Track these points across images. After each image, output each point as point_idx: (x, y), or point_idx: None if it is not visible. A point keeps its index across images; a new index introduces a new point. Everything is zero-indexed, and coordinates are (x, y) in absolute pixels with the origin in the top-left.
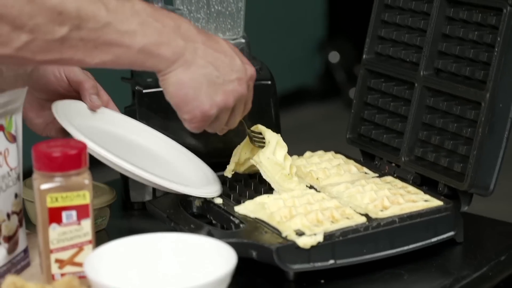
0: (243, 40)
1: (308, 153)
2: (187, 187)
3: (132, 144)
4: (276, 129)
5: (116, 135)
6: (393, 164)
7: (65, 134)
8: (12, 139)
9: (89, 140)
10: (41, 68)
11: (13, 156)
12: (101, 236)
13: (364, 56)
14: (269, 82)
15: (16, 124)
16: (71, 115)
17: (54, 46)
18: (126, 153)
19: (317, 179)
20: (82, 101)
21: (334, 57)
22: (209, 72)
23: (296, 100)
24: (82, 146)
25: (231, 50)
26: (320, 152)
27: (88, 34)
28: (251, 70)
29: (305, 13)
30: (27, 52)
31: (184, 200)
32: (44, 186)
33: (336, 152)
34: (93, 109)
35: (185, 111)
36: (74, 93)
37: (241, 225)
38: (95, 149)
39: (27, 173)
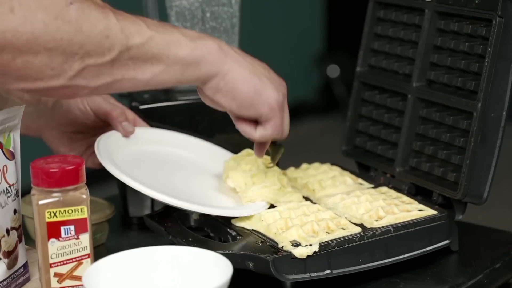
0: None
1: (304, 165)
2: (231, 209)
3: (173, 157)
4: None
5: (154, 152)
6: (388, 175)
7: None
8: (11, 156)
9: (131, 179)
10: (65, 103)
11: (12, 172)
12: (100, 251)
13: (358, 69)
14: None
15: (14, 141)
16: (111, 151)
17: (105, 70)
18: (170, 172)
19: (313, 190)
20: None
21: (333, 71)
22: (259, 67)
23: (295, 114)
24: (80, 162)
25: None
26: (316, 164)
27: (136, 51)
28: (283, 81)
29: (304, 27)
30: (80, 79)
31: (181, 214)
32: (43, 202)
33: (332, 164)
34: (127, 135)
35: (261, 104)
36: (102, 123)
37: (238, 237)
38: (137, 186)
39: (26, 190)
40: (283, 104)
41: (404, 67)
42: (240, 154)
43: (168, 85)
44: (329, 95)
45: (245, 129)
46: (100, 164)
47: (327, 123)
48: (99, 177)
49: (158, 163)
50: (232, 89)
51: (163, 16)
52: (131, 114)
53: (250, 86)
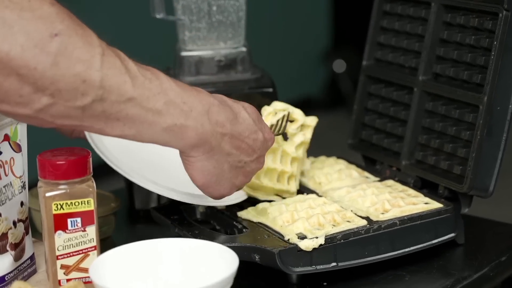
0: (244, 49)
1: (311, 159)
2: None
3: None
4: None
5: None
6: (394, 168)
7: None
8: (18, 148)
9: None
10: None
11: (19, 165)
12: (107, 244)
13: (364, 63)
14: (271, 90)
15: (21, 134)
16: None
17: (74, 113)
18: (159, 161)
19: (319, 183)
20: None
21: (339, 66)
22: (233, 158)
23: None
24: (86, 154)
25: (253, 124)
26: (323, 158)
27: (110, 106)
28: (270, 138)
29: (310, 22)
30: (46, 115)
31: (188, 207)
32: (49, 194)
33: (338, 157)
34: None
35: (206, 192)
36: None
37: (244, 230)
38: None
39: (33, 183)
40: (230, 194)
41: (410, 60)
42: None
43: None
44: (335, 91)
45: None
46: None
47: (333, 118)
48: (105, 171)
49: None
50: (188, 171)
51: (169, 10)
52: None
53: (203, 179)
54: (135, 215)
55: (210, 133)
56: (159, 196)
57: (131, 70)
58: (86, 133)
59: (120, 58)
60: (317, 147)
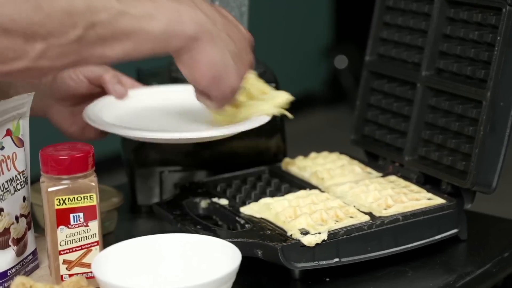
0: None
1: (313, 154)
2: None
3: (166, 110)
4: (281, 133)
5: (148, 108)
6: (397, 164)
7: (105, 133)
8: (20, 143)
9: (125, 129)
10: (58, 77)
11: (21, 160)
12: (109, 239)
13: (366, 58)
14: (274, 85)
15: (23, 129)
16: (103, 114)
17: (71, 49)
18: (158, 119)
19: (322, 179)
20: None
21: (341, 62)
22: (232, 45)
23: (303, 105)
24: (89, 149)
25: (232, 16)
26: (325, 153)
27: (103, 28)
28: (249, 34)
29: (312, 17)
30: (45, 60)
31: (190, 202)
32: (52, 189)
33: (341, 153)
34: (120, 98)
35: (216, 90)
36: (98, 89)
37: (246, 225)
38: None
39: (35, 179)
40: (238, 88)
41: (413, 56)
42: None
43: (138, 59)
44: (337, 86)
45: (202, 101)
46: (101, 134)
47: (335, 114)
48: (108, 166)
49: (149, 116)
50: (194, 68)
51: None
52: (128, 81)
53: (211, 71)
54: (137, 210)
55: (205, 20)
56: (161, 191)
57: None
58: (85, 115)
59: None
60: (319, 142)
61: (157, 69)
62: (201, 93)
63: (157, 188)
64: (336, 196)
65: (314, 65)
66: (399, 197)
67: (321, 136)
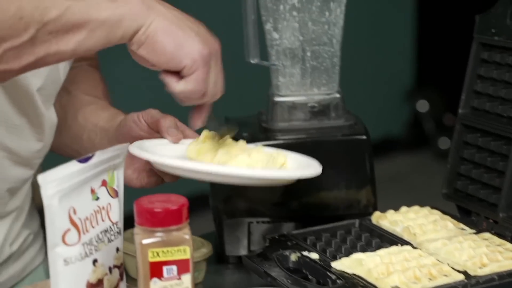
0: (338, 95)
1: (404, 208)
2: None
3: None
4: (370, 183)
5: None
6: (491, 220)
7: (154, 178)
8: (115, 194)
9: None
10: (123, 120)
11: (115, 211)
12: None
13: (459, 111)
14: (364, 137)
15: (118, 179)
16: (145, 147)
17: (26, 50)
18: None
19: (414, 235)
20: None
21: (422, 106)
22: (180, 18)
23: (384, 149)
24: (183, 202)
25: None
26: (416, 208)
27: (54, 25)
28: (216, 39)
29: (394, 62)
30: (2, 64)
31: (280, 255)
32: (146, 241)
33: (432, 207)
34: (174, 141)
35: (183, 55)
36: (156, 134)
37: (338, 281)
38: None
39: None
40: (209, 59)
41: (509, 110)
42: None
43: (95, 50)
44: (418, 131)
45: (168, 80)
46: (157, 182)
47: (417, 159)
48: (193, 214)
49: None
50: (152, 42)
51: (263, 55)
52: (186, 128)
53: (171, 37)
54: (224, 261)
55: (156, 4)
56: (249, 242)
57: None
58: (132, 148)
59: None
60: (403, 190)
61: (246, 118)
62: (170, 74)
63: (245, 239)
64: (429, 253)
65: (395, 108)
66: (495, 255)
67: (406, 181)
